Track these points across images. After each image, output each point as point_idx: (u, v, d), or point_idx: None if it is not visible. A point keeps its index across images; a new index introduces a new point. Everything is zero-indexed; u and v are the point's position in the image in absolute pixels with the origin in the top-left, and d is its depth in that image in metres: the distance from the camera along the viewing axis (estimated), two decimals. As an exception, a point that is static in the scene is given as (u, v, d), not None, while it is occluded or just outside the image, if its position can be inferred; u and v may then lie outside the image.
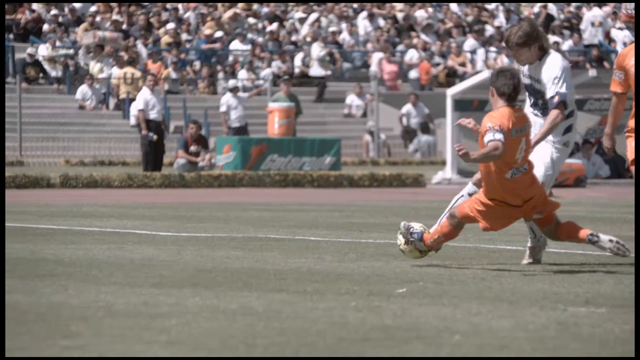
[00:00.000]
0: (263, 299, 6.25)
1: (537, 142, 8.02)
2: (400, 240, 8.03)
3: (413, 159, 29.84)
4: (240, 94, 28.33)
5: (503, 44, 8.52)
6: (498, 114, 7.71)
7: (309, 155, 24.83)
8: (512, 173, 7.70)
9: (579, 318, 5.71)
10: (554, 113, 8.00)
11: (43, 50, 30.82)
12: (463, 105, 24.59)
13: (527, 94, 8.21)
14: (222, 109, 27.29)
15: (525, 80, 8.15)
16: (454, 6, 38.11)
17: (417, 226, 8.02)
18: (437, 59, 34.65)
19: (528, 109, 8.18)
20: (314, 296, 6.42)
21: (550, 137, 8.08)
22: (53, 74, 30.68)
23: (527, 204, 7.74)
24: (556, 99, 8.00)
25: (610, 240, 7.68)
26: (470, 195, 8.05)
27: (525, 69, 8.18)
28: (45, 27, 32.12)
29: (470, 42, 35.49)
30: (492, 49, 35.39)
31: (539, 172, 8.00)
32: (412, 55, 34.29)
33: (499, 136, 7.57)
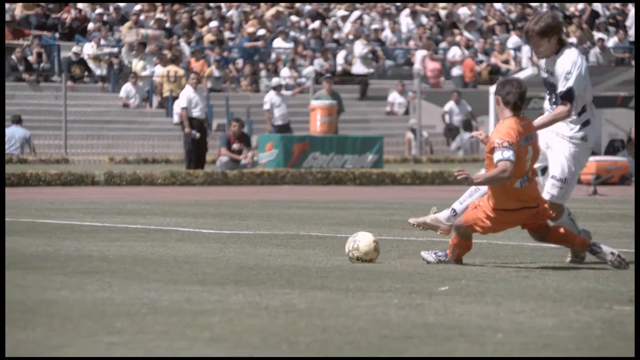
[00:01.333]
0: (305, 297, 6.26)
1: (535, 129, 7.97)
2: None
3: (455, 157, 29.74)
4: (284, 92, 28.38)
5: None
6: (505, 127, 7.68)
7: (351, 153, 24.82)
8: (521, 182, 7.73)
9: (624, 317, 5.67)
10: (559, 107, 7.96)
11: (88, 49, 31.08)
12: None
13: (546, 90, 8.17)
14: (266, 106, 27.36)
15: (543, 75, 8.12)
16: (497, 3, 37.92)
17: (431, 256, 8.00)
18: (480, 57, 34.50)
19: (547, 106, 8.15)
20: (356, 294, 6.42)
21: (566, 133, 8.02)
22: (98, 72, 30.91)
23: (529, 210, 7.72)
24: (563, 94, 7.94)
25: (612, 253, 7.72)
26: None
27: (542, 62, 8.12)
28: (90, 25, 32.38)
29: (513, 40, 35.30)
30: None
31: (557, 169, 7.96)
32: (454, 53, 34.17)
33: (508, 154, 7.57)
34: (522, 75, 25.46)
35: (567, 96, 7.93)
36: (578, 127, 8.01)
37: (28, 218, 12.67)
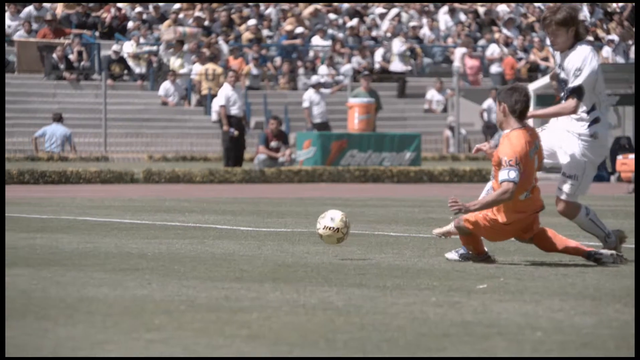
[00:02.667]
0: (343, 294, 6.27)
1: (533, 115, 7.93)
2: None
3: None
4: (323, 90, 28.38)
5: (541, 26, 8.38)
6: (515, 141, 7.65)
7: (389, 150, 24.78)
8: (526, 195, 7.72)
9: (664, 316, 5.62)
10: (566, 102, 7.90)
11: (128, 47, 31.27)
12: (545, 100, 24.30)
13: (559, 86, 8.12)
14: (305, 104, 27.39)
15: (556, 70, 8.08)
16: (537, 3, 37.70)
17: (455, 255, 7.99)
18: (519, 54, 34.32)
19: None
20: (393, 291, 6.41)
21: (576, 130, 7.96)
22: (137, 70, 31.09)
23: (527, 218, 7.73)
24: (571, 90, 7.88)
25: (612, 255, 7.73)
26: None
27: (558, 57, 8.05)
28: (130, 24, 32.58)
29: (553, 36, 35.06)
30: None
31: (568, 166, 7.93)
32: (493, 50, 34.01)
33: (514, 175, 7.56)
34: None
35: (575, 93, 7.86)
36: (587, 124, 7.94)
37: (68, 215, 12.77)
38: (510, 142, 7.66)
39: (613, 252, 7.79)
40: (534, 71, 33.30)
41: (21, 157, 25.64)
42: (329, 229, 8.00)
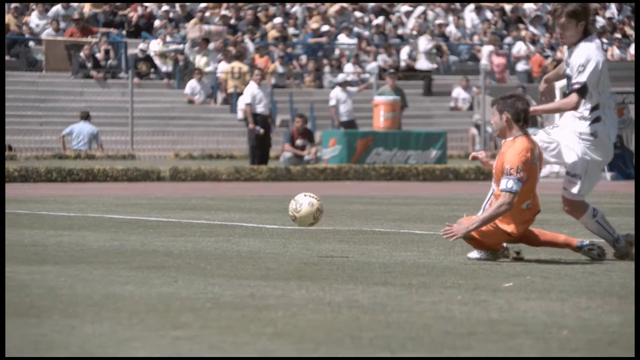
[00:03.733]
0: (368, 292, 6.27)
1: (535, 111, 7.91)
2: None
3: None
4: (349, 88, 28.38)
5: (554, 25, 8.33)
6: (521, 149, 7.65)
7: (415, 148, 24.74)
8: (527, 204, 7.73)
9: (692, 315, 5.58)
10: (567, 98, 7.85)
11: (154, 46, 31.38)
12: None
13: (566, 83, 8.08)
14: (332, 102, 27.39)
15: (564, 67, 8.02)
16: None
17: (477, 254, 8.00)
18: (545, 51, 34.18)
19: None
20: (419, 289, 6.41)
21: (577, 129, 7.91)
22: (163, 69, 31.20)
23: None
24: (575, 87, 7.83)
25: (598, 247, 7.80)
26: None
27: (566, 53, 8.00)
28: (157, 23, 32.70)
29: (579, 34, 34.90)
30: (604, 40, 34.72)
31: (571, 165, 7.90)
32: (519, 48, 33.89)
33: (512, 185, 7.56)
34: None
35: (577, 89, 7.80)
36: (588, 123, 7.89)
37: (95, 213, 12.84)
38: (514, 149, 7.67)
39: (601, 246, 7.81)
40: (561, 69, 33.16)
41: (49, 155, 25.79)
42: (301, 211, 7.90)
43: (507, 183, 7.57)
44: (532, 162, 7.66)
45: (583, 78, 7.80)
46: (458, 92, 32.12)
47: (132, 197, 16.63)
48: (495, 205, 7.59)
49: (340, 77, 29.47)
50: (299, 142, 24.20)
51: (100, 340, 4.76)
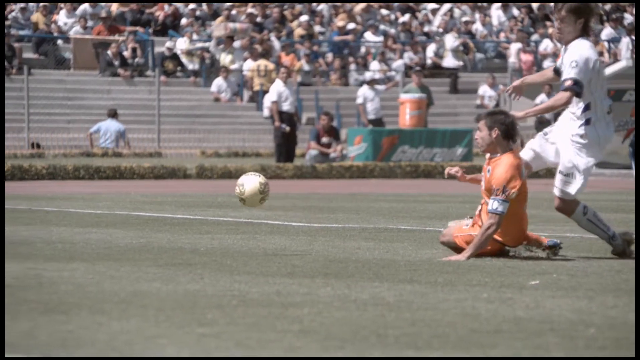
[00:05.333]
0: (394, 290, 6.27)
1: (527, 114, 7.89)
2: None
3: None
4: (377, 86, 28.35)
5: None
6: (507, 167, 7.72)
7: (440, 146, 24.71)
8: (524, 208, 7.82)
9: None
10: (558, 95, 7.79)
11: (181, 44, 31.48)
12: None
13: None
14: (359, 100, 27.38)
15: (557, 64, 7.97)
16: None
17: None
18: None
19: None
20: (445, 287, 6.40)
21: (569, 129, 7.87)
22: (190, 67, 31.29)
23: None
24: (567, 83, 7.76)
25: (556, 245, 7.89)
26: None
27: (562, 52, 7.93)
28: (183, 21, 32.80)
29: (607, 31, 34.72)
30: (633, 37, 34.51)
31: (562, 163, 7.88)
32: (546, 45, 33.76)
33: (501, 208, 7.65)
34: (617, 67, 24.96)
35: (569, 86, 7.73)
36: (579, 124, 7.84)
37: (122, 211, 12.90)
38: (501, 167, 7.73)
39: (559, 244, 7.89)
40: (588, 66, 32.99)
41: (77, 152, 25.93)
42: (249, 190, 7.81)
43: (493, 204, 7.68)
44: (521, 175, 7.77)
45: (574, 74, 7.73)
46: (484, 90, 32.03)
47: (158, 195, 16.69)
48: (483, 229, 7.70)
49: (368, 75, 29.44)
50: (324, 139, 24.21)
51: (127, 337, 4.79)
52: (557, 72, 8.03)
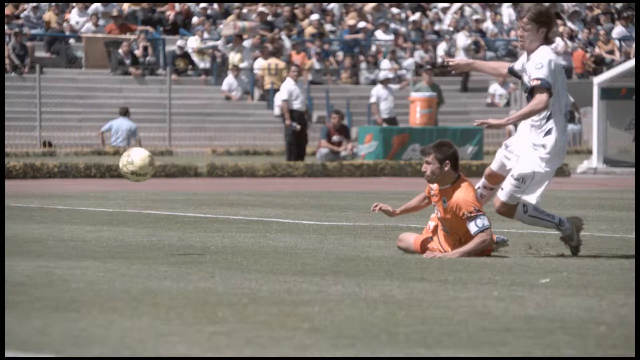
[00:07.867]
0: (404, 288, 6.28)
1: (508, 122, 7.88)
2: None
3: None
4: (390, 85, 28.34)
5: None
6: (469, 188, 7.91)
7: (451, 144, 24.67)
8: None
9: None
10: (535, 99, 7.76)
11: (192, 43, 31.52)
12: (610, 94, 24.01)
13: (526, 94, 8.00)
14: (372, 99, 27.38)
15: (524, 76, 7.94)
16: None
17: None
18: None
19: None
20: (455, 285, 6.41)
21: (530, 138, 7.86)
22: (201, 65, 31.33)
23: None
24: (534, 82, 7.74)
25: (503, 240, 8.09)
26: (484, 187, 8.15)
27: (524, 59, 7.92)
28: (194, 19, 32.84)
29: (618, 29, 34.65)
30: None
31: (516, 168, 7.90)
32: (557, 43, 33.67)
33: (487, 222, 7.87)
34: (627, 66, 24.90)
35: (539, 85, 7.71)
36: (540, 134, 7.84)
37: (133, 209, 12.93)
38: (462, 194, 7.86)
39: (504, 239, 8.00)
40: (599, 64, 32.91)
41: (88, 151, 25.99)
42: (130, 172, 7.82)
43: (477, 223, 7.81)
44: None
45: (541, 74, 7.74)
46: (495, 88, 32.00)
47: (169, 193, 16.72)
48: (477, 243, 7.81)
49: (381, 74, 29.42)
50: (335, 138, 24.22)
51: (138, 335, 4.81)
52: (512, 72, 8.07)
